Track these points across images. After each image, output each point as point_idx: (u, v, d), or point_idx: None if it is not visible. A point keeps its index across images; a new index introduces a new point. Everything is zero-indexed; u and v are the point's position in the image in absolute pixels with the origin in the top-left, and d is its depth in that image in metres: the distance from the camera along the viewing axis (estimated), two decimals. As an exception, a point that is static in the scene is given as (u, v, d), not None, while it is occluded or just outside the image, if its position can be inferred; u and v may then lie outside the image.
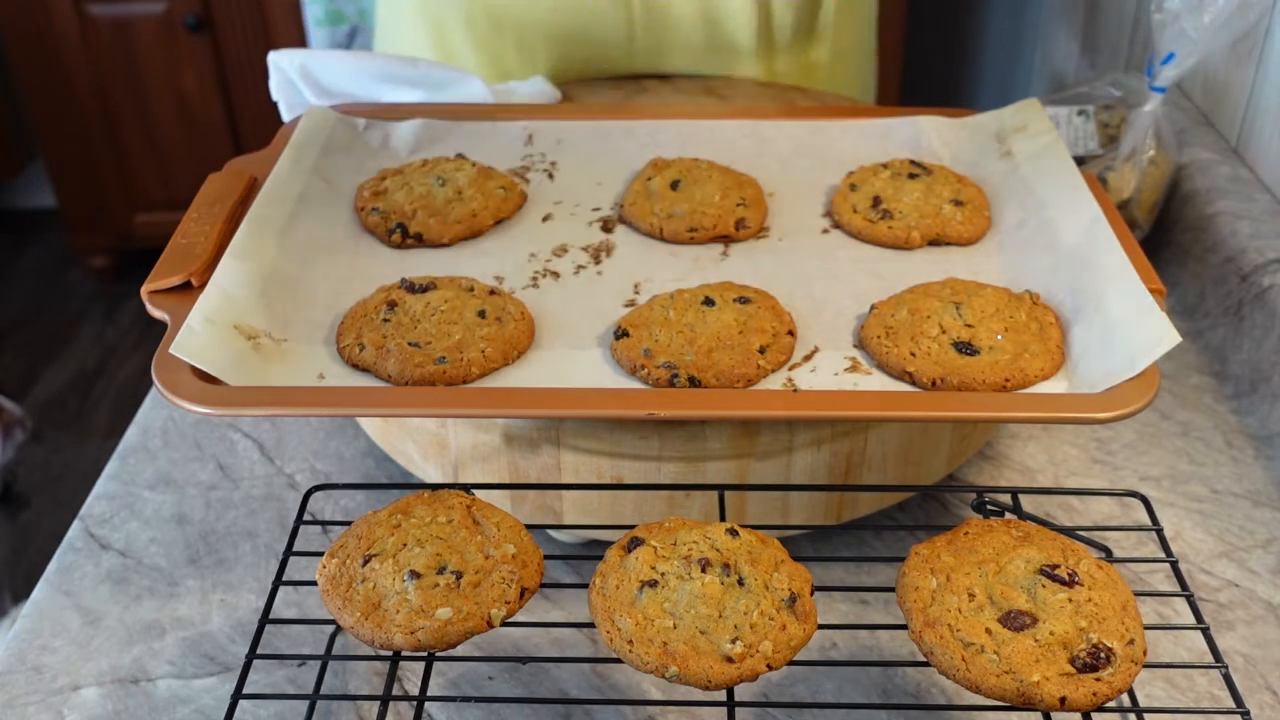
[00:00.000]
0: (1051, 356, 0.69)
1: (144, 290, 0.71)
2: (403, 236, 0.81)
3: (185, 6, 2.40)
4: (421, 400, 0.67)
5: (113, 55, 2.45)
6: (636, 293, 0.77)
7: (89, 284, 2.80)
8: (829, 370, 0.69)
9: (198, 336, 0.66)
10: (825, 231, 0.84)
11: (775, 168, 0.90)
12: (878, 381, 0.68)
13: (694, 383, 0.67)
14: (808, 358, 0.70)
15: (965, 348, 0.69)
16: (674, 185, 0.84)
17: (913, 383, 0.68)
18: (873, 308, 0.73)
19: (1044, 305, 0.73)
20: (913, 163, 0.87)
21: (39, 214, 2.96)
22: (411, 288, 0.74)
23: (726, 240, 0.82)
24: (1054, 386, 0.68)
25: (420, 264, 0.79)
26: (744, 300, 0.72)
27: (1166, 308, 0.68)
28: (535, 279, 0.78)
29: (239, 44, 2.45)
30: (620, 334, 0.70)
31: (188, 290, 0.70)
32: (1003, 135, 0.89)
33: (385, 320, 0.71)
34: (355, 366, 0.69)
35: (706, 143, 0.92)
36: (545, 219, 0.85)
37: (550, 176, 0.90)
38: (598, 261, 0.80)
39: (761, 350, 0.69)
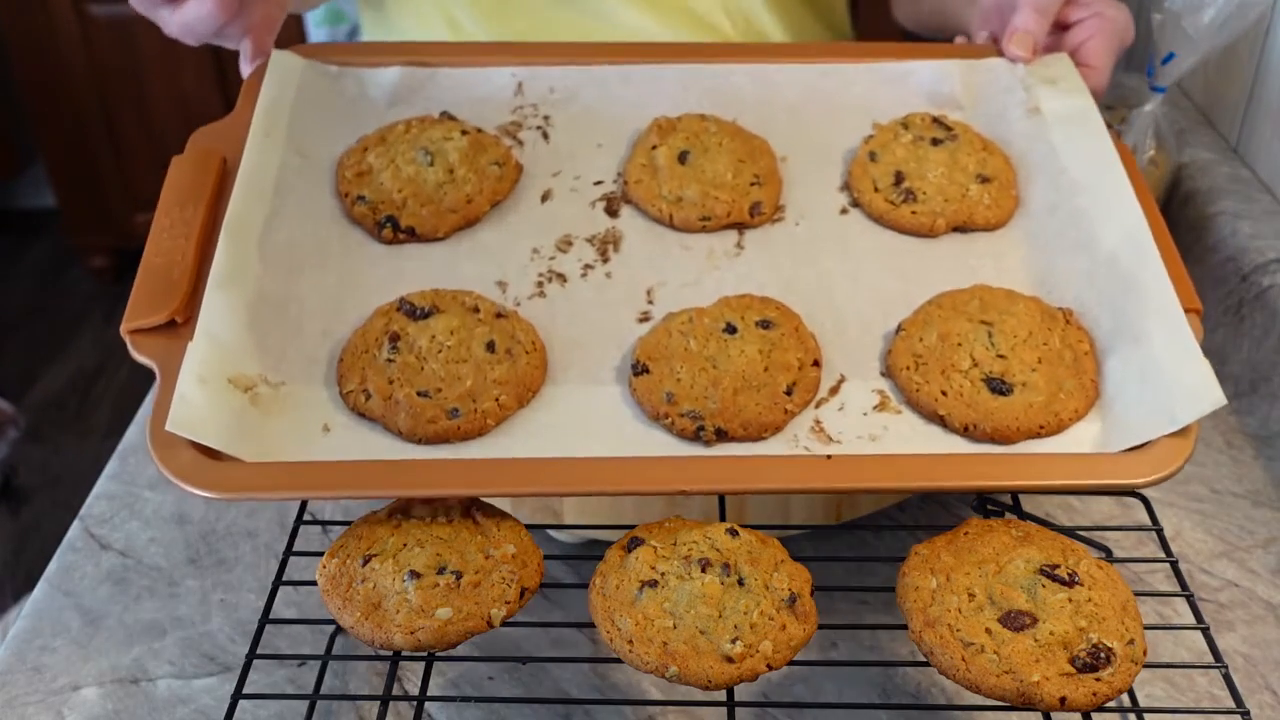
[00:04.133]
0: (1086, 393, 0.67)
1: (124, 329, 0.66)
2: (394, 232, 0.76)
3: (185, 6, 2.40)
4: (454, 481, 0.63)
5: (113, 55, 2.45)
6: (650, 302, 0.74)
7: (89, 284, 2.80)
8: (857, 409, 0.67)
9: (194, 407, 0.62)
10: (844, 211, 0.80)
11: (784, 119, 0.85)
12: (907, 423, 0.67)
13: (720, 434, 0.65)
14: (834, 391, 0.68)
15: (998, 385, 0.67)
16: (682, 158, 0.80)
17: (944, 425, 0.66)
18: (899, 328, 0.71)
19: (1078, 326, 0.70)
20: (935, 121, 0.83)
21: (39, 214, 2.96)
22: (412, 311, 0.70)
23: (740, 228, 0.79)
24: (1088, 428, 0.66)
25: (415, 263, 0.75)
26: (766, 324, 0.70)
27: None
28: (540, 285, 0.75)
29: (239, 44, 2.45)
30: (639, 369, 0.68)
31: (172, 329, 0.66)
32: (1029, 85, 0.84)
33: (389, 361, 0.67)
34: (360, 414, 0.66)
35: (709, 90, 0.86)
36: (544, 198, 0.80)
37: (545, 136, 0.84)
38: (605, 259, 0.76)
39: (788, 391, 0.67)
